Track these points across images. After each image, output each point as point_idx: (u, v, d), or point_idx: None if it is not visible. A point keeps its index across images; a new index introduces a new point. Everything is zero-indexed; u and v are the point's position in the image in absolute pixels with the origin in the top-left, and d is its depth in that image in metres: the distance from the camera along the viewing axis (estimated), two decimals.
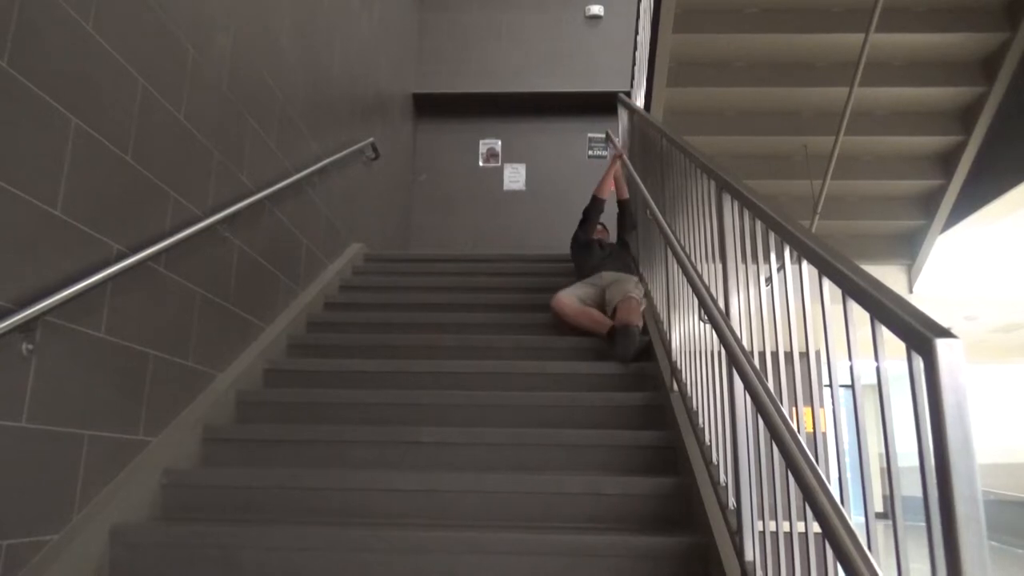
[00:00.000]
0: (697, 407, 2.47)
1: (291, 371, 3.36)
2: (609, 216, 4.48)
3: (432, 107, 7.61)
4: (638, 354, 3.37)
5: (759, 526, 1.75)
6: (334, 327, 3.92)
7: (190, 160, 2.74)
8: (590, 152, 7.51)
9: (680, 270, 2.60)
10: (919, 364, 0.98)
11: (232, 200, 3.01)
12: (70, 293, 1.98)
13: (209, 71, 2.87)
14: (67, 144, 2.05)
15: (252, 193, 3.19)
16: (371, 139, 5.41)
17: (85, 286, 2.04)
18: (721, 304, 2.02)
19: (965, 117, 4.79)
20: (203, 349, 2.85)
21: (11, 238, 1.85)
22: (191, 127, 2.73)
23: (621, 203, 4.55)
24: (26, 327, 1.86)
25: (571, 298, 3.80)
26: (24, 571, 1.90)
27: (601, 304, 3.84)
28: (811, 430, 1.44)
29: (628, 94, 5.94)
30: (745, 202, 1.89)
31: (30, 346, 1.90)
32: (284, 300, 3.72)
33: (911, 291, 5.78)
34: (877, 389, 1.16)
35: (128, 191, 2.35)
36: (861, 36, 3.84)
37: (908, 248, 5.75)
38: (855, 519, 1.20)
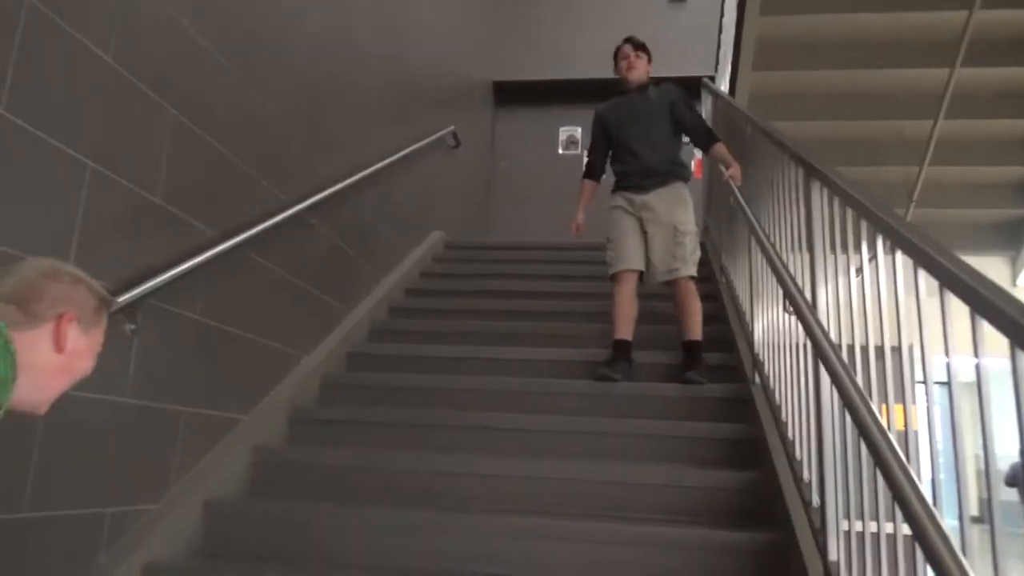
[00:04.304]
0: (780, 401, 2.40)
1: (373, 355, 3.45)
2: None
3: (512, 94, 7.61)
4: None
5: (844, 525, 1.70)
6: (414, 313, 3.99)
7: (278, 150, 2.83)
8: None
9: (765, 259, 2.53)
10: None
11: (318, 188, 3.10)
12: (169, 276, 2.08)
13: (294, 63, 2.96)
14: (166, 135, 2.15)
15: (336, 181, 3.28)
16: (452, 127, 5.46)
17: (183, 270, 2.15)
18: (808, 295, 1.96)
19: None
20: (290, 332, 2.95)
21: (117, 223, 1.96)
22: (279, 116, 2.82)
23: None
24: (129, 308, 1.97)
25: (628, 284, 3.23)
26: (124, 537, 2.02)
27: (641, 241, 3.29)
28: (902, 428, 1.39)
29: (712, 79, 5.81)
30: (835, 189, 1.83)
31: (133, 326, 2.01)
32: (366, 286, 3.81)
33: (1015, 284, 5.47)
34: (976, 387, 1.11)
35: (222, 180, 2.45)
36: (964, 13, 3.63)
37: (1013, 238, 5.43)
38: (949, 522, 1.15)
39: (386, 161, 3.92)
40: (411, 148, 4.39)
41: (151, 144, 2.09)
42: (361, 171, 3.56)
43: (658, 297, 3.46)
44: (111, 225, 1.94)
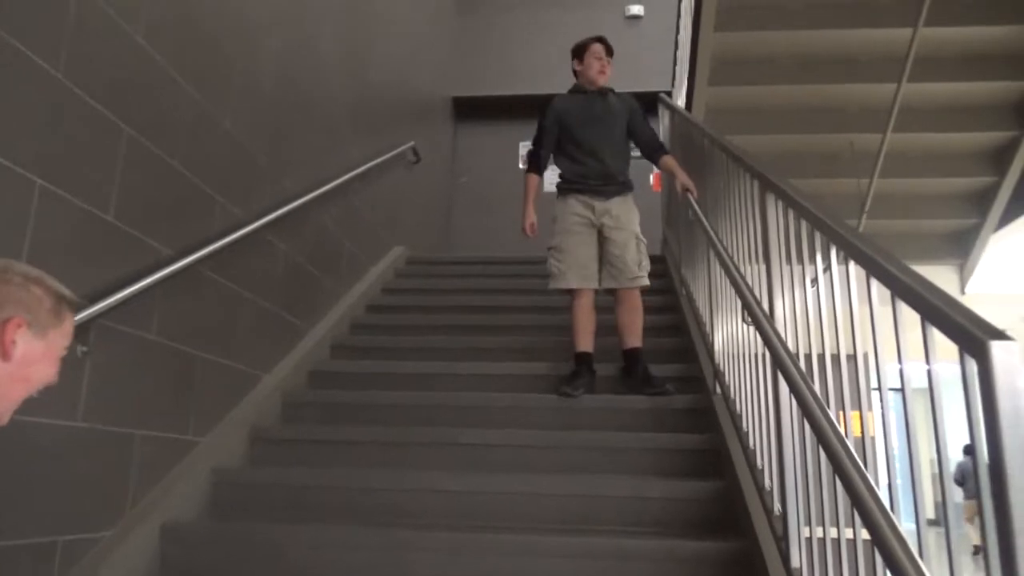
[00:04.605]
0: (741, 410, 2.43)
1: (335, 373, 3.41)
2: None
3: (472, 110, 7.64)
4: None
5: (806, 532, 1.72)
6: (377, 329, 3.96)
7: (236, 166, 2.80)
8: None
9: (723, 271, 2.57)
10: (973, 367, 0.95)
11: (277, 205, 3.07)
12: (123, 296, 2.04)
13: (255, 77, 2.93)
14: (119, 152, 2.11)
15: (296, 198, 3.25)
16: (412, 143, 5.46)
17: (137, 289, 2.10)
18: (765, 306, 2.00)
19: (1020, 111, 4.65)
20: (249, 351, 2.91)
21: (67, 242, 1.91)
22: (237, 133, 2.79)
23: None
24: (81, 329, 1.92)
25: (586, 296, 3.20)
26: (79, 566, 1.96)
27: (595, 250, 3.27)
28: (859, 435, 1.41)
29: (669, 94, 5.90)
30: (789, 201, 1.86)
31: (85, 348, 1.95)
32: (327, 303, 3.77)
33: (963, 291, 5.64)
34: (928, 393, 1.13)
35: (177, 197, 2.41)
36: (910, 30, 3.75)
37: (960, 247, 5.60)
38: (905, 526, 1.17)
39: (346, 177, 3.89)
40: (371, 164, 4.38)
41: (103, 161, 2.05)
42: (321, 187, 3.53)
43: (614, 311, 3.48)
44: (61, 244, 1.89)
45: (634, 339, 3.18)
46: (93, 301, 1.95)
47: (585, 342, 3.17)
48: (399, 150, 5.12)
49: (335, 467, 2.73)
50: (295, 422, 3.08)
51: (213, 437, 2.62)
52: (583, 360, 3.14)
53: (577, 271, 3.22)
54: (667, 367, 3.27)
